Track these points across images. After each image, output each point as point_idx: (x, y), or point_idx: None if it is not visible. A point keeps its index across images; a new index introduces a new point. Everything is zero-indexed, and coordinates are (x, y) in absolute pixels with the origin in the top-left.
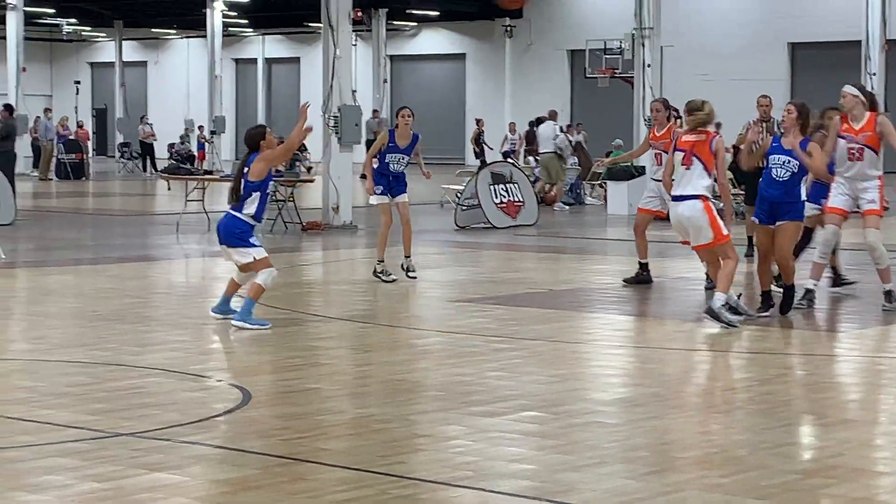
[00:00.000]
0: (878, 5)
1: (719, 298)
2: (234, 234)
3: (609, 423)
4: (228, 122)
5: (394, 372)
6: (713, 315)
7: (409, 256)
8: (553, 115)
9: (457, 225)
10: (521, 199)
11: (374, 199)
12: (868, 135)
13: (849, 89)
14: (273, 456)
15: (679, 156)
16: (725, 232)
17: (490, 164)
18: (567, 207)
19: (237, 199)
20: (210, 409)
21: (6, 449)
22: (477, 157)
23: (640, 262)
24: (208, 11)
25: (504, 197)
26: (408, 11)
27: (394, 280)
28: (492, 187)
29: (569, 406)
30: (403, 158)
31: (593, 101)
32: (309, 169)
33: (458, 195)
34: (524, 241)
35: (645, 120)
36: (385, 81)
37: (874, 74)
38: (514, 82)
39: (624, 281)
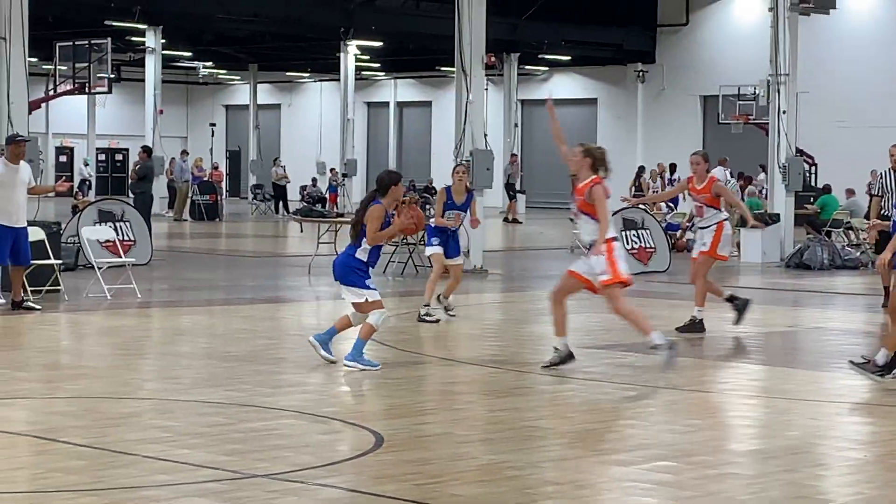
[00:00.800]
0: None
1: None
2: (348, 272)
3: (744, 474)
4: (360, 165)
5: (526, 418)
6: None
7: (447, 297)
8: (723, 162)
9: None
10: (653, 246)
11: (429, 251)
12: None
13: None
14: (406, 500)
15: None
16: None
17: (621, 209)
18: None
19: (356, 238)
20: (343, 451)
21: (144, 488)
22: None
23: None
24: (342, 55)
25: (636, 243)
26: (540, 56)
27: (437, 320)
28: (623, 233)
29: (703, 456)
30: (460, 215)
31: (725, 148)
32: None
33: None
34: (656, 287)
35: (780, 167)
36: (516, 126)
37: None
38: (645, 127)
39: (677, 329)
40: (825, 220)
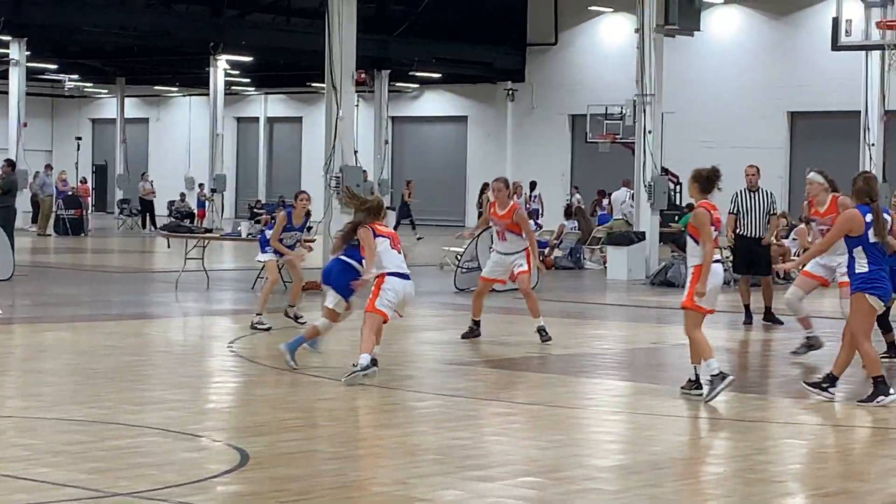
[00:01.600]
0: (877, 76)
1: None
2: (345, 278)
3: (608, 489)
4: (229, 181)
5: (392, 434)
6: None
7: (293, 306)
8: (626, 184)
9: (456, 287)
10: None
11: (261, 257)
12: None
13: (813, 176)
14: None
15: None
16: None
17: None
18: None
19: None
20: (207, 469)
21: None
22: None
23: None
24: (211, 70)
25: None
26: (410, 73)
27: (269, 328)
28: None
29: (567, 472)
30: (295, 235)
31: (594, 166)
32: (309, 228)
33: (458, 257)
34: (524, 304)
35: (646, 186)
36: (386, 143)
37: (873, 145)
38: (515, 145)
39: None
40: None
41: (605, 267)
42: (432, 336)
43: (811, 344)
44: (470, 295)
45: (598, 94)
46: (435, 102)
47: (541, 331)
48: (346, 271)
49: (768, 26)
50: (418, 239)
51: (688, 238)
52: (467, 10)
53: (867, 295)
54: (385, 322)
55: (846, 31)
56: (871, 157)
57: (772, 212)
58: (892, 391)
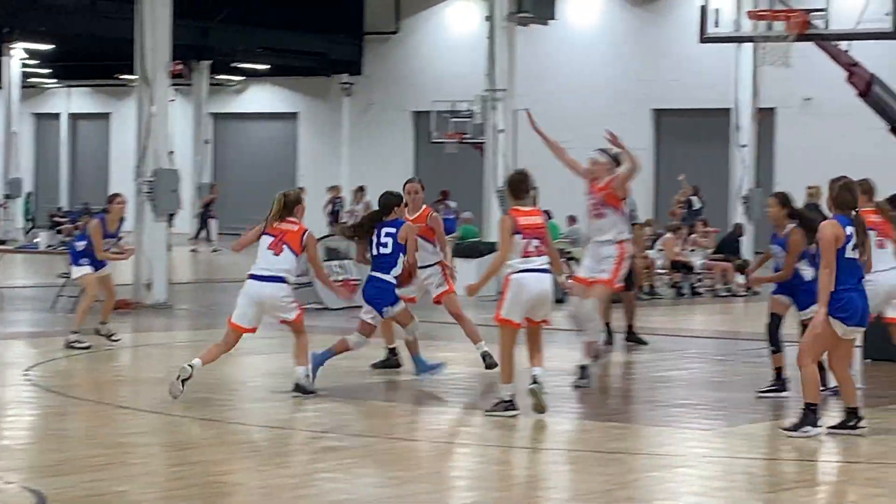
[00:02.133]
0: (748, 71)
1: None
2: (383, 296)
3: None
4: (26, 184)
5: (212, 472)
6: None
7: (105, 323)
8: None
9: None
10: (359, 277)
11: (77, 272)
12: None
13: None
14: None
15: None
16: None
17: (325, 236)
18: None
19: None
20: None
21: None
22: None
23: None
24: (4, 59)
25: (339, 274)
26: (233, 65)
27: (88, 347)
28: (326, 264)
29: None
30: (110, 242)
31: (440, 169)
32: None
33: None
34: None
35: (497, 191)
36: (207, 142)
37: (745, 146)
38: (352, 145)
39: (372, 366)
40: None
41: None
42: (258, 362)
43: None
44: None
45: (444, 88)
46: (261, 97)
47: (485, 356)
48: (378, 286)
49: (631, 15)
50: (213, 252)
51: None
52: None
53: (832, 318)
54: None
55: (715, 22)
56: (742, 159)
57: (634, 221)
58: (820, 424)
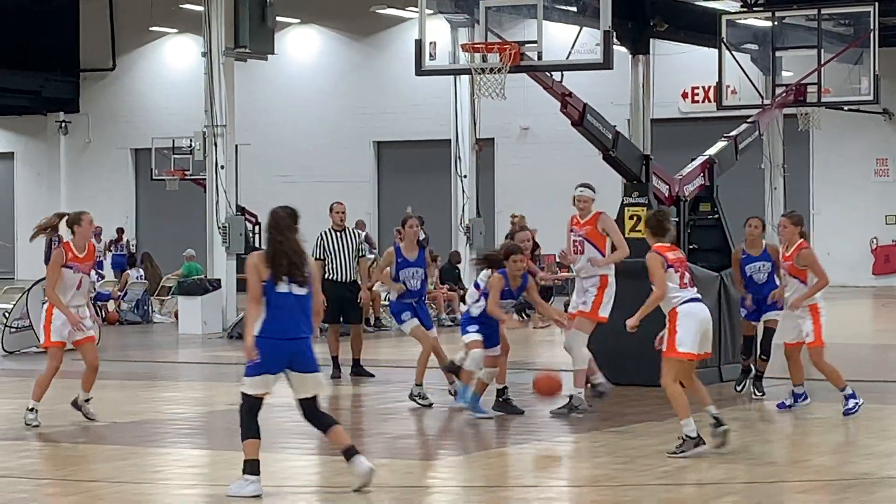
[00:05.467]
0: (466, 102)
1: None
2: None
3: None
4: None
5: None
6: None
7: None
8: (360, 224)
9: (4, 350)
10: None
11: None
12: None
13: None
14: None
15: None
16: None
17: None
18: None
19: None
20: None
21: None
22: None
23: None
24: None
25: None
26: None
27: None
28: (45, 305)
29: None
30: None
31: (163, 206)
32: None
33: (6, 315)
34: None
35: (220, 227)
36: None
37: (465, 176)
38: (70, 185)
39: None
40: None
41: (177, 320)
42: None
43: (600, 392)
44: (21, 358)
45: (163, 125)
46: None
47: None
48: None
49: (351, 49)
50: None
51: None
52: (9, 31)
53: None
54: None
55: (430, 54)
56: (463, 189)
57: (361, 254)
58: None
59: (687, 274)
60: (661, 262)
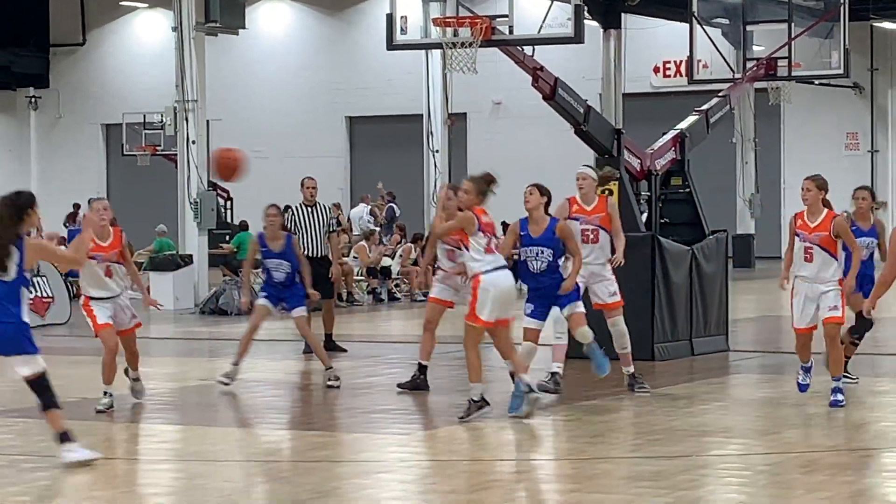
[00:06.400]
0: (438, 77)
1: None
2: None
3: None
4: None
5: None
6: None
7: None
8: (364, 199)
9: None
10: (51, 295)
11: None
12: (601, 216)
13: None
14: None
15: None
16: None
17: None
18: None
19: None
20: None
21: None
22: None
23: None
24: None
25: (30, 293)
26: None
27: None
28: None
29: None
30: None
31: (134, 182)
32: None
33: None
34: (54, 342)
35: (191, 203)
36: None
37: (437, 151)
38: (41, 160)
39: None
40: (242, 260)
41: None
42: None
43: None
44: None
45: (134, 100)
46: None
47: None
48: None
49: (323, 24)
50: None
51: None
52: None
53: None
54: None
55: (402, 29)
56: (435, 164)
57: (332, 228)
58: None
59: (493, 240)
60: (472, 220)
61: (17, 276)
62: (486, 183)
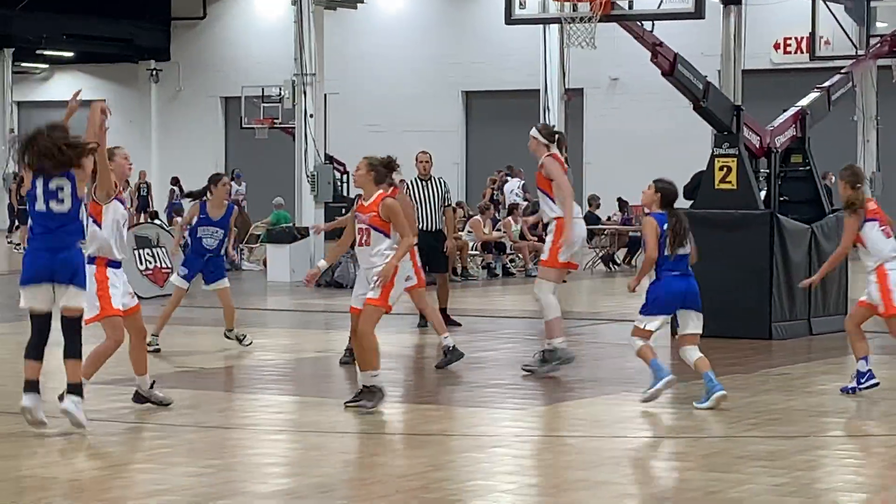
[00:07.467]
0: (556, 52)
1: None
2: None
3: None
4: None
5: (23, 466)
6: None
7: (231, 329)
8: (517, 173)
9: None
10: (169, 266)
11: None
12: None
13: (532, 132)
14: None
15: None
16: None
17: (135, 225)
18: None
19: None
20: None
21: None
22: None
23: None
24: None
25: (150, 263)
26: (38, 52)
27: None
28: (136, 252)
29: (223, 500)
30: (217, 232)
31: (252, 154)
32: None
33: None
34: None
35: (308, 176)
36: (12, 131)
37: (554, 126)
38: (161, 131)
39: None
40: None
41: (265, 268)
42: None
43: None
44: None
45: (253, 74)
46: (68, 84)
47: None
48: None
49: None
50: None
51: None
52: None
53: None
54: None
55: (520, 4)
56: None
57: (447, 203)
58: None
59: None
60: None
61: (72, 207)
62: (383, 167)
